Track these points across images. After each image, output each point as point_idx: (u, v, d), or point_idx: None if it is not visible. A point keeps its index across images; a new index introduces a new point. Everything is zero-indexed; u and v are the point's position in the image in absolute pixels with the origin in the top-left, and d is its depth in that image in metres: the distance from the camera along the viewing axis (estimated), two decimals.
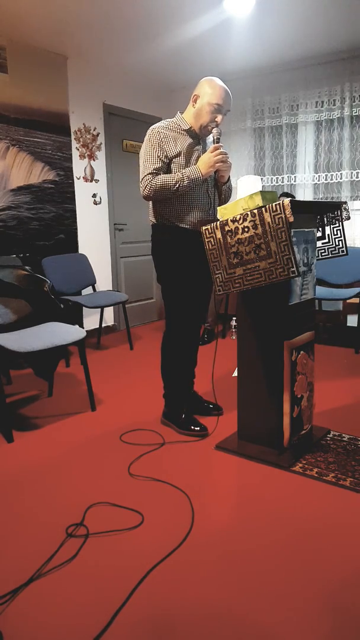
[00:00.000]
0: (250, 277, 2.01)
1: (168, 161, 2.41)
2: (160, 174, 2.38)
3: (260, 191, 1.98)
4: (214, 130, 2.40)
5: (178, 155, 2.41)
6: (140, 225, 5.02)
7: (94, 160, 4.72)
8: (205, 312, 2.83)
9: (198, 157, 2.44)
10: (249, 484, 2.14)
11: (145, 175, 2.38)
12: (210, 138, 2.53)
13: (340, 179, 4.61)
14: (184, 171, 2.37)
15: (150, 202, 2.51)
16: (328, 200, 4.71)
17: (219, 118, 2.40)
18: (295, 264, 1.89)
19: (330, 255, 2.48)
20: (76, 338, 2.79)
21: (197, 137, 2.47)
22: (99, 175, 4.79)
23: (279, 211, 1.88)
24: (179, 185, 2.35)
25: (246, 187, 2.35)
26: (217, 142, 2.38)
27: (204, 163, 2.36)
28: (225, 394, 2.96)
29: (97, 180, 4.78)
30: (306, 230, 2.25)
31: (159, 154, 2.38)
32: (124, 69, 4.72)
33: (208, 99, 2.37)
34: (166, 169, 2.42)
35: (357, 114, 4.47)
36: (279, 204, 1.88)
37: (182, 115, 2.48)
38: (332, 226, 2.43)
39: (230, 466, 2.30)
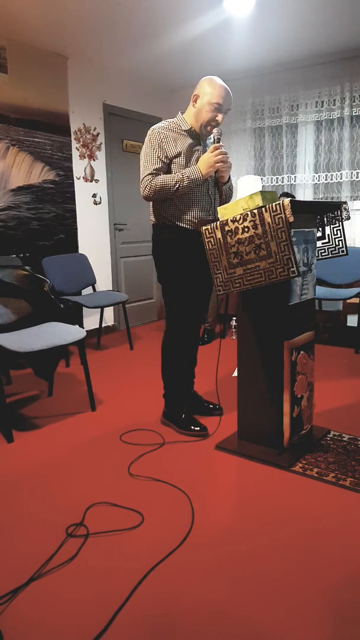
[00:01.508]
0: (250, 277, 2.01)
1: (168, 161, 2.41)
2: (160, 175, 2.38)
3: (260, 191, 1.98)
4: (214, 130, 2.40)
5: (178, 155, 2.40)
6: (140, 225, 5.03)
7: (94, 160, 4.73)
8: (206, 312, 2.83)
9: (198, 157, 2.44)
10: (249, 484, 2.14)
11: (145, 176, 2.38)
12: (210, 138, 2.53)
13: (340, 179, 4.61)
14: (184, 171, 2.37)
15: (151, 202, 2.51)
16: (328, 200, 4.71)
17: (219, 117, 2.40)
18: (295, 263, 1.89)
19: (330, 255, 2.48)
20: (76, 338, 2.79)
21: (198, 137, 2.47)
22: (99, 175, 4.79)
23: (279, 211, 1.88)
24: (179, 185, 2.35)
25: (246, 187, 2.35)
26: (218, 142, 2.38)
27: (204, 163, 2.36)
28: (225, 394, 2.96)
29: (97, 180, 4.78)
30: (306, 230, 2.25)
31: (159, 155, 2.38)
32: (124, 69, 4.72)
33: (208, 98, 2.37)
34: (166, 169, 2.42)
35: (357, 114, 4.47)
36: (279, 204, 1.88)
37: (183, 115, 2.47)
38: (332, 226, 2.43)
39: (230, 466, 2.30)
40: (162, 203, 2.45)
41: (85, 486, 2.13)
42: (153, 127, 2.44)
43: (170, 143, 2.40)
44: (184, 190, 2.37)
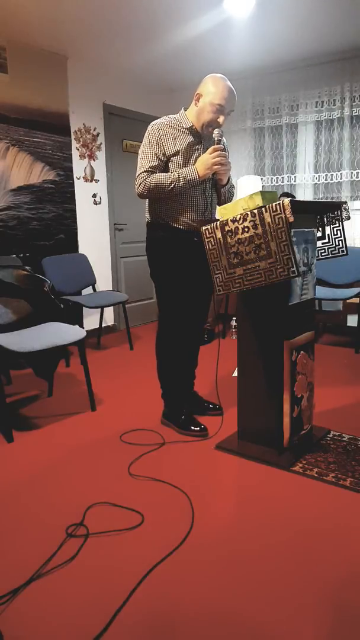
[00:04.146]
0: (250, 277, 2.01)
1: (166, 159, 2.37)
2: (156, 172, 2.34)
3: (260, 191, 1.98)
4: (215, 131, 2.35)
5: (176, 153, 2.36)
6: (140, 225, 4.97)
7: (94, 160, 4.72)
8: (206, 313, 2.81)
9: (198, 156, 2.40)
10: (249, 484, 2.14)
11: (141, 173, 2.34)
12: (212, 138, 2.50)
13: (340, 179, 4.61)
14: (180, 171, 2.33)
15: (147, 200, 2.48)
16: (328, 200, 4.70)
17: (220, 119, 2.34)
18: (295, 264, 1.89)
19: (330, 255, 2.48)
20: (76, 338, 2.79)
21: (199, 136, 2.42)
22: (99, 175, 4.79)
23: (279, 211, 1.87)
24: (174, 185, 2.31)
25: (246, 187, 2.35)
26: (218, 143, 2.33)
27: (202, 164, 2.32)
28: (225, 394, 2.96)
29: (97, 180, 4.78)
30: (306, 230, 2.25)
31: (156, 152, 2.34)
32: (124, 69, 4.71)
33: (210, 98, 2.31)
34: (164, 167, 2.38)
35: (357, 114, 4.47)
36: (279, 204, 1.88)
37: (186, 112, 2.43)
38: (332, 226, 2.42)
39: (230, 466, 2.30)
40: (157, 202, 2.42)
41: (85, 486, 2.13)
42: (153, 122, 2.39)
43: (169, 140, 2.35)
44: (179, 190, 2.34)
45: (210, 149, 2.33)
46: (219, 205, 2.44)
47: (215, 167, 2.32)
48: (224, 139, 2.43)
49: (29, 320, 3.05)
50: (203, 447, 2.47)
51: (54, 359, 3.23)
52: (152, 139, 2.35)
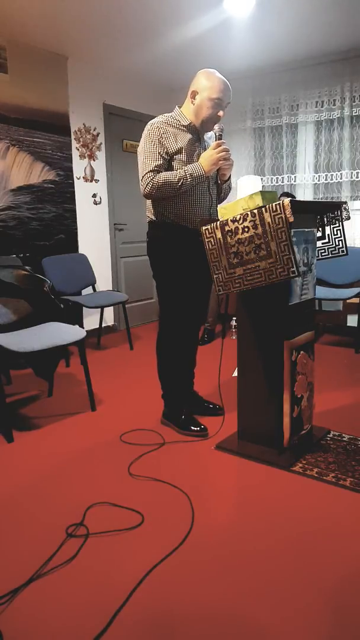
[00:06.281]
0: (250, 277, 2.01)
1: (169, 158, 2.36)
2: (161, 171, 2.32)
3: (260, 191, 1.98)
4: (216, 127, 2.35)
5: (179, 151, 2.35)
6: (141, 225, 4.98)
7: (94, 160, 4.72)
8: (205, 312, 2.81)
9: (199, 153, 2.40)
10: (249, 484, 2.14)
11: (146, 173, 2.31)
12: (209, 134, 2.48)
13: (340, 179, 4.61)
14: (186, 168, 2.31)
15: (149, 200, 2.46)
16: (328, 200, 4.70)
17: (220, 113, 2.34)
18: (295, 264, 1.89)
19: (330, 255, 2.48)
20: (76, 338, 2.79)
21: (197, 133, 2.42)
22: (99, 175, 4.79)
23: (279, 211, 1.87)
24: (182, 182, 2.29)
25: (246, 187, 2.34)
26: (219, 139, 2.33)
27: (207, 160, 2.31)
28: (225, 394, 2.96)
29: (97, 180, 4.78)
30: (306, 230, 2.25)
31: (159, 151, 2.32)
32: (124, 69, 4.71)
33: (207, 93, 2.31)
34: (167, 166, 2.36)
35: (357, 114, 4.47)
36: (279, 204, 1.88)
37: (181, 109, 2.42)
38: (332, 226, 2.42)
39: (230, 466, 2.30)
40: (162, 201, 2.39)
41: (85, 486, 2.13)
42: (151, 121, 2.37)
43: (171, 138, 2.34)
44: (186, 187, 2.32)
45: (213, 145, 2.32)
46: (219, 201, 2.44)
47: (221, 162, 2.31)
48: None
49: (29, 320, 3.05)
50: (203, 447, 2.47)
51: (54, 359, 3.23)
52: (153, 138, 2.32)
